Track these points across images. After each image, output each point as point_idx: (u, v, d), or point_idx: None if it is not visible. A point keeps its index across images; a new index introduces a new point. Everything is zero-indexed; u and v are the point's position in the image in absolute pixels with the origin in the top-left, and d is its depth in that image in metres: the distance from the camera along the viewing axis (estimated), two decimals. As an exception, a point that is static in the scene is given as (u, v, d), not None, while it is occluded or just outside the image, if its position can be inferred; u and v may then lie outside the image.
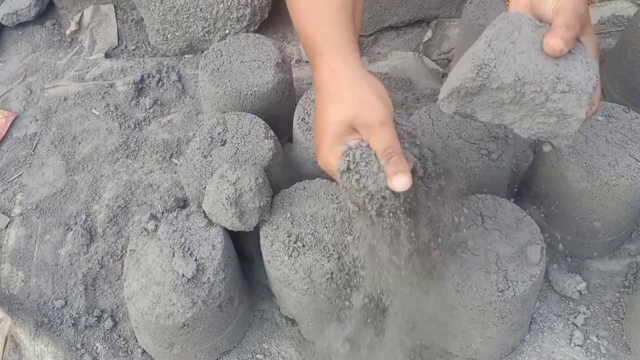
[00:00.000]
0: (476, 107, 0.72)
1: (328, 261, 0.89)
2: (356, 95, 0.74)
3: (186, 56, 1.56)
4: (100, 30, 1.62)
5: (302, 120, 1.09)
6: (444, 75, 1.42)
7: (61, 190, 1.32)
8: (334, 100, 0.75)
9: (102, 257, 1.20)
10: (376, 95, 0.74)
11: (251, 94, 1.15)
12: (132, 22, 1.63)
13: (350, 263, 0.88)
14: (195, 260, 0.94)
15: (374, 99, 0.74)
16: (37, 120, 1.46)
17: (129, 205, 1.27)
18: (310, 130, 1.07)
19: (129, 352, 1.07)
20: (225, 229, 0.99)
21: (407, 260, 0.81)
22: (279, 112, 1.19)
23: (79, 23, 1.63)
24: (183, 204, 1.25)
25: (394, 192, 0.73)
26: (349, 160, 0.74)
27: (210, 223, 0.98)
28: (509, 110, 0.72)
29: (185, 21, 1.50)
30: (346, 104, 0.74)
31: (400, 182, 0.71)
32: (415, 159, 0.76)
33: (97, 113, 1.44)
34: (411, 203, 0.77)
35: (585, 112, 0.69)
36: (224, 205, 0.92)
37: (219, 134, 1.07)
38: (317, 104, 0.79)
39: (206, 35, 1.52)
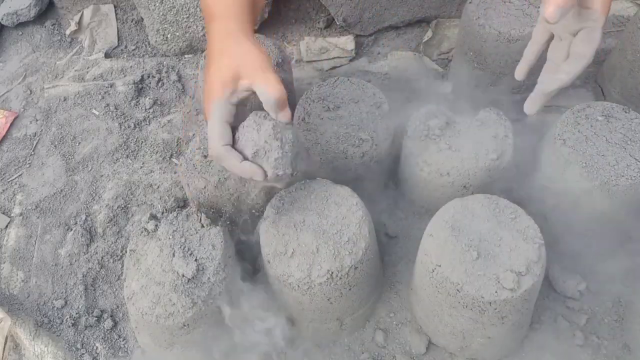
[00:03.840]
0: None
1: (328, 261, 0.89)
2: (241, 49, 0.85)
3: (186, 56, 1.56)
4: (100, 30, 1.62)
5: (302, 120, 1.09)
6: (444, 76, 1.42)
7: (61, 190, 1.32)
8: (223, 56, 0.85)
9: (102, 257, 1.20)
10: (258, 49, 0.86)
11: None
12: (132, 22, 1.63)
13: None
14: (196, 260, 0.94)
15: (256, 51, 0.85)
16: (37, 120, 1.46)
17: (129, 205, 1.27)
18: (310, 131, 1.07)
19: (129, 352, 1.07)
20: (225, 229, 0.99)
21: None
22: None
23: (79, 23, 1.63)
24: (183, 204, 1.25)
25: None
26: None
27: (210, 223, 0.98)
28: None
29: (185, 21, 1.50)
30: (233, 56, 0.85)
31: (283, 117, 0.85)
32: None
33: (97, 113, 1.44)
34: None
35: None
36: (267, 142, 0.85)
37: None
38: (207, 63, 0.88)
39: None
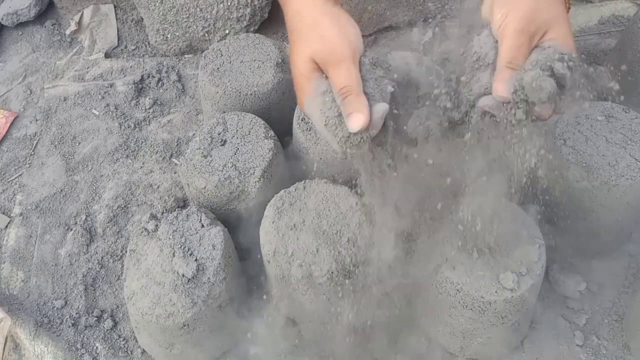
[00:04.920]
0: None
1: (328, 261, 0.89)
2: (315, 32, 0.73)
3: (186, 56, 1.56)
4: (100, 30, 1.62)
5: (302, 120, 1.09)
6: (444, 75, 1.42)
7: (61, 190, 1.32)
8: (297, 40, 0.75)
9: (102, 257, 1.20)
10: (337, 30, 0.72)
11: (251, 94, 1.15)
12: (132, 22, 1.63)
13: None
14: (196, 260, 0.94)
15: (333, 35, 0.72)
16: (37, 120, 1.46)
17: (129, 205, 1.27)
18: (310, 130, 1.07)
19: (129, 352, 1.07)
20: (225, 229, 0.99)
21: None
22: (279, 112, 1.19)
23: (79, 23, 1.63)
24: (183, 204, 1.25)
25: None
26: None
27: (210, 223, 0.98)
28: None
29: (185, 21, 1.50)
30: (306, 42, 0.73)
31: (354, 121, 0.70)
32: (391, 90, 0.75)
33: (97, 113, 1.44)
34: (380, 140, 0.76)
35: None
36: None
37: (219, 134, 1.07)
38: (290, 48, 0.77)
39: (206, 35, 1.52)
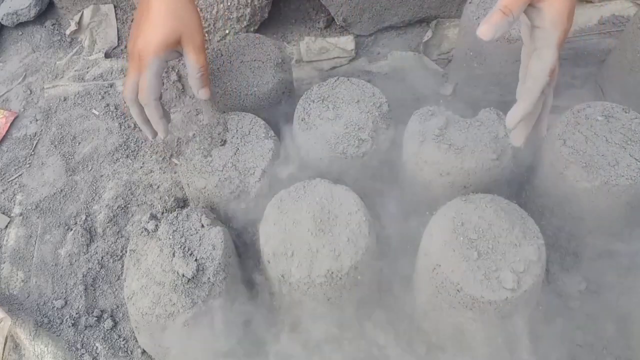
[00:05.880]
0: None
1: (328, 260, 0.89)
2: (187, 12, 0.95)
3: (186, 56, 1.56)
4: (100, 30, 1.62)
5: (302, 120, 1.09)
6: (444, 75, 1.42)
7: (61, 190, 1.32)
8: (168, 14, 0.93)
9: (102, 257, 1.20)
10: (198, 15, 0.97)
11: (251, 94, 1.15)
12: (132, 22, 1.63)
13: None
14: (196, 260, 0.94)
15: (198, 18, 0.97)
16: (37, 120, 1.46)
17: (129, 205, 1.27)
18: (310, 130, 1.07)
19: (129, 352, 1.07)
20: (225, 229, 0.99)
21: None
22: (279, 112, 1.19)
23: (79, 23, 1.63)
24: (183, 204, 1.25)
25: None
26: None
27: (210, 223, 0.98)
28: None
29: (185, 21, 1.50)
30: (179, 18, 0.94)
31: (204, 93, 1.01)
32: None
33: (97, 113, 1.44)
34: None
35: None
36: None
37: (219, 134, 1.07)
38: (146, 9, 0.94)
39: (206, 35, 1.52)
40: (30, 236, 1.26)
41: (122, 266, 1.18)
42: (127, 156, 1.36)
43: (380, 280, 1.07)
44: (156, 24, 0.92)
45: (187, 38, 0.95)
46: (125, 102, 1.06)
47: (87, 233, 1.23)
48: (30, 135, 1.43)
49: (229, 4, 1.47)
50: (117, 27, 1.62)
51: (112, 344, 1.08)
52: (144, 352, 1.07)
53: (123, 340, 1.09)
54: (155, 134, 1.04)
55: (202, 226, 0.98)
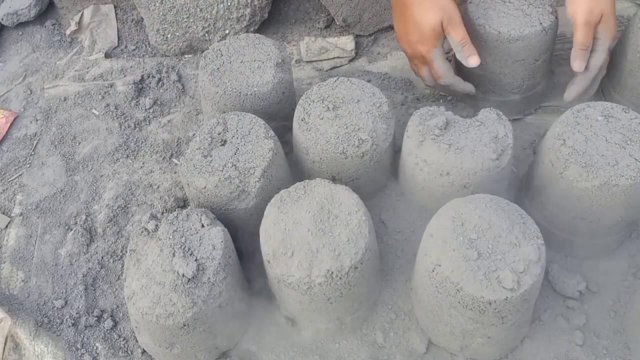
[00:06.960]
0: None
1: (328, 260, 0.89)
2: (435, 3, 1.11)
3: (186, 56, 1.56)
4: (100, 30, 1.62)
5: (302, 120, 1.09)
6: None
7: (61, 190, 1.32)
8: (426, 3, 1.11)
9: (102, 257, 1.20)
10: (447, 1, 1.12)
11: (251, 94, 1.15)
12: (132, 22, 1.63)
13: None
14: (196, 260, 0.94)
15: (453, 3, 1.12)
16: (37, 120, 1.46)
17: (129, 205, 1.27)
18: (310, 130, 1.07)
19: (129, 352, 1.07)
20: (225, 229, 0.99)
21: None
22: (279, 112, 1.19)
23: (79, 23, 1.63)
24: (183, 204, 1.25)
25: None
26: None
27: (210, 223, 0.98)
28: None
29: (185, 21, 1.50)
30: (438, 5, 1.11)
31: (473, 60, 1.13)
32: None
33: (97, 113, 1.45)
34: None
35: None
36: None
37: (219, 134, 1.07)
38: (399, 15, 1.18)
39: (206, 35, 1.52)
40: (31, 236, 1.26)
41: (122, 266, 1.18)
42: (127, 156, 1.36)
43: (380, 280, 1.07)
44: (415, 14, 1.12)
45: (446, 21, 1.10)
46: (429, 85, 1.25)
47: (87, 233, 1.23)
48: (30, 135, 1.44)
49: (229, 4, 1.47)
50: (117, 27, 1.62)
51: (112, 344, 1.09)
52: (144, 352, 1.07)
53: (123, 340, 1.09)
54: (472, 90, 1.22)
55: (202, 226, 0.98)
